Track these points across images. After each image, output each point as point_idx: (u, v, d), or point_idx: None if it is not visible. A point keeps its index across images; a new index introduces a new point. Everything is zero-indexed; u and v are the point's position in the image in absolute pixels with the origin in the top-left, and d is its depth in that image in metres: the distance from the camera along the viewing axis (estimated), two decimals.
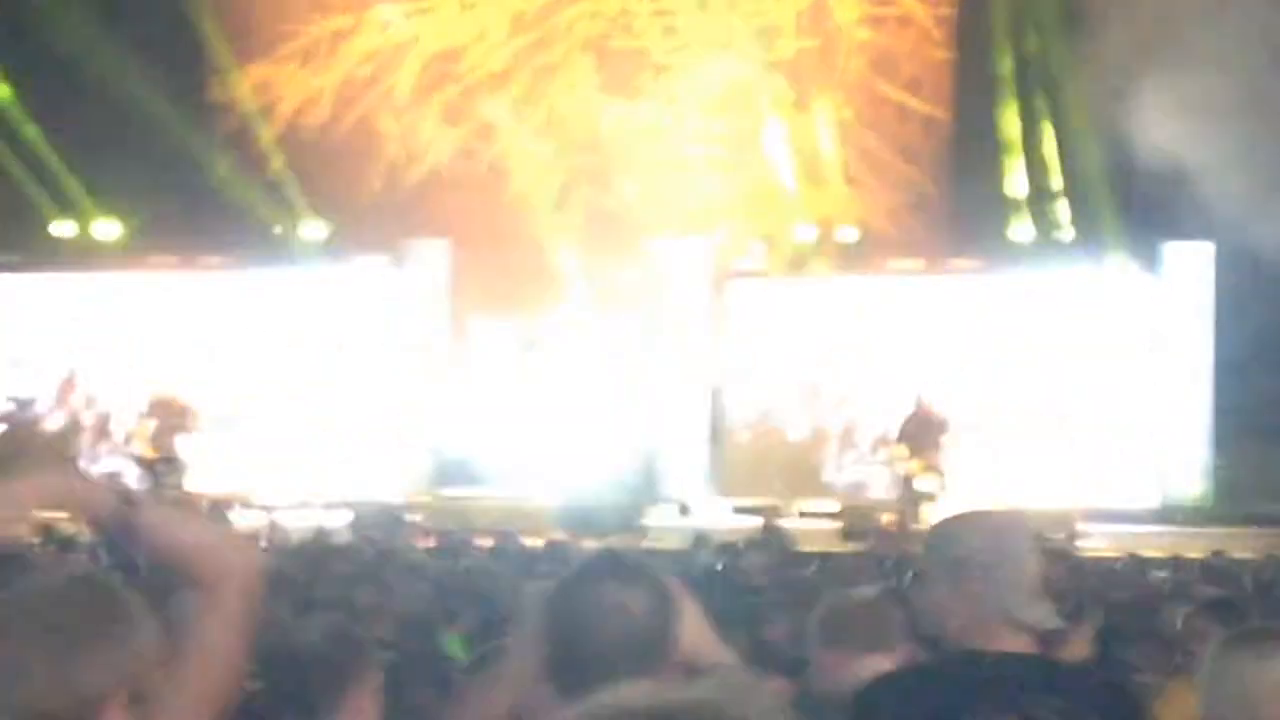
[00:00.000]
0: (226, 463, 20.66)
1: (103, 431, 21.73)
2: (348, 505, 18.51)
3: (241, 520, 17.86)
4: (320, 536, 14.93)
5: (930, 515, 17.29)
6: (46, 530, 13.90)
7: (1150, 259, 21.37)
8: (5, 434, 17.00)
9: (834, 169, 23.89)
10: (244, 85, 24.16)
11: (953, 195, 23.96)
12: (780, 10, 24.14)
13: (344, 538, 15.67)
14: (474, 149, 24.26)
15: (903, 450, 19.24)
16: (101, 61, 21.79)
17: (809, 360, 21.53)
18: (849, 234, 22.53)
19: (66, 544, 13.69)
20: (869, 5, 24.21)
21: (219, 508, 17.80)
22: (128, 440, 19.97)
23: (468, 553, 13.90)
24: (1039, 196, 22.32)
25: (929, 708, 3.19)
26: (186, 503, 17.99)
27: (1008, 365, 21.43)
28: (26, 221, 21.92)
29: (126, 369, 21.52)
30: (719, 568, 12.36)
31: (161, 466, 18.90)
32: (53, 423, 19.71)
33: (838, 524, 18.87)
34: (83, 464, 19.21)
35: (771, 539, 15.59)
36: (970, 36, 23.48)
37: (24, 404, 18.63)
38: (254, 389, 21.48)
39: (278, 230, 22.37)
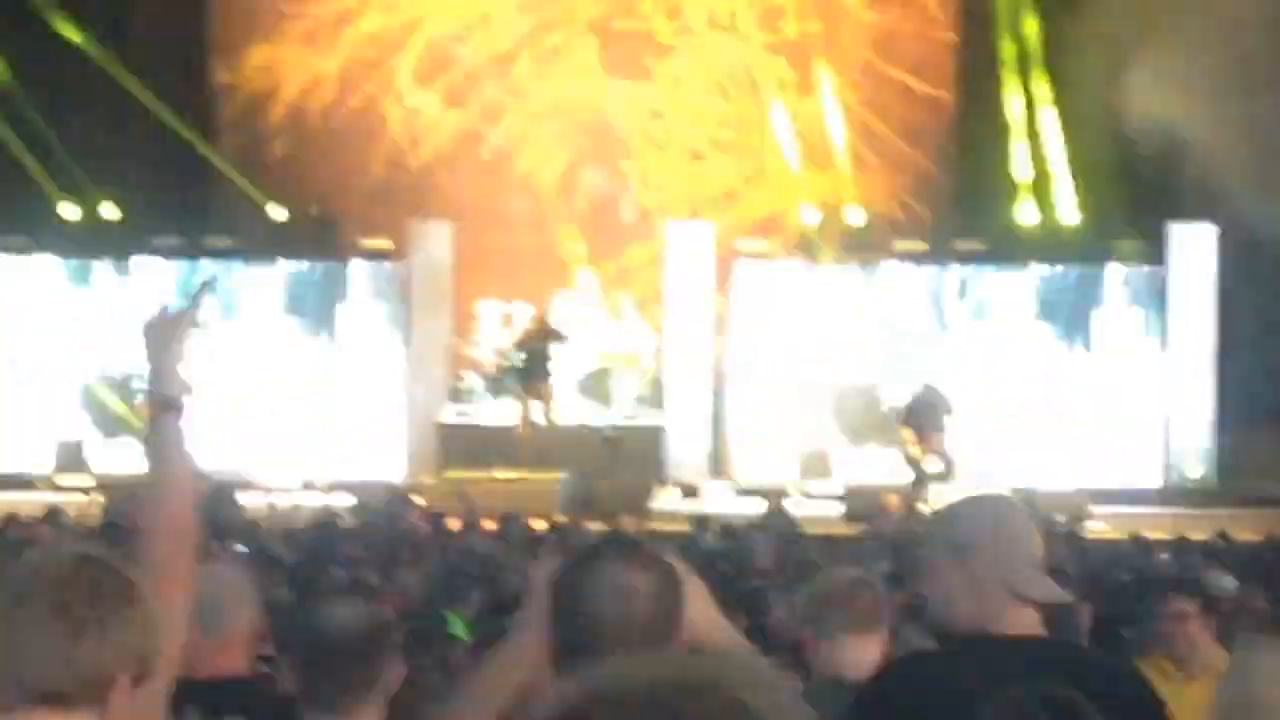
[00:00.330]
0: (231, 446, 20.66)
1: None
2: (352, 488, 18.53)
3: (248, 502, 17.89)
4: (325, 519, 14.96)
5: (936, 498, 17.31)
6: (52, 512, 13.95)
7: (1153, 241, 21.35)
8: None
9: (838, 151, 23.87)
10: (247, 68, 24.13)
11: (956, 177, 23.96)
12: None
13: (348, 520, 15.70)
14: (478, 132, 24.24)
15: (908, 433, 19.26)
16: (105, 44, 21.78)
17: (814, 342, 21.52)
18: (853, 216, 22.51)
19: (73, 527, 13.73)
20: None
21: (222, 490, 17.81)
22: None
23: (472, 534, 13.94)
24: (1042, 178, 22.29)
25: (941, 693, 3.20)
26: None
27: (1012, 348, 21.42)
28: (30, 203, 21.91)
29: (126, 351, 21.55)
30: (721, 550, 12.39)
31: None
32: None
33: (841, 506, 18.87)
34: None
35: (775, 522, 15.62)
36: (973, 18, 23.44)
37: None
38: (258, 371, 21.48)
39: (281, 213, 22.34)
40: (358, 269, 21.90)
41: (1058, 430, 21.10)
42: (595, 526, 14.75)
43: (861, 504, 17.94)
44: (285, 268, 21.90)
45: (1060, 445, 21.00)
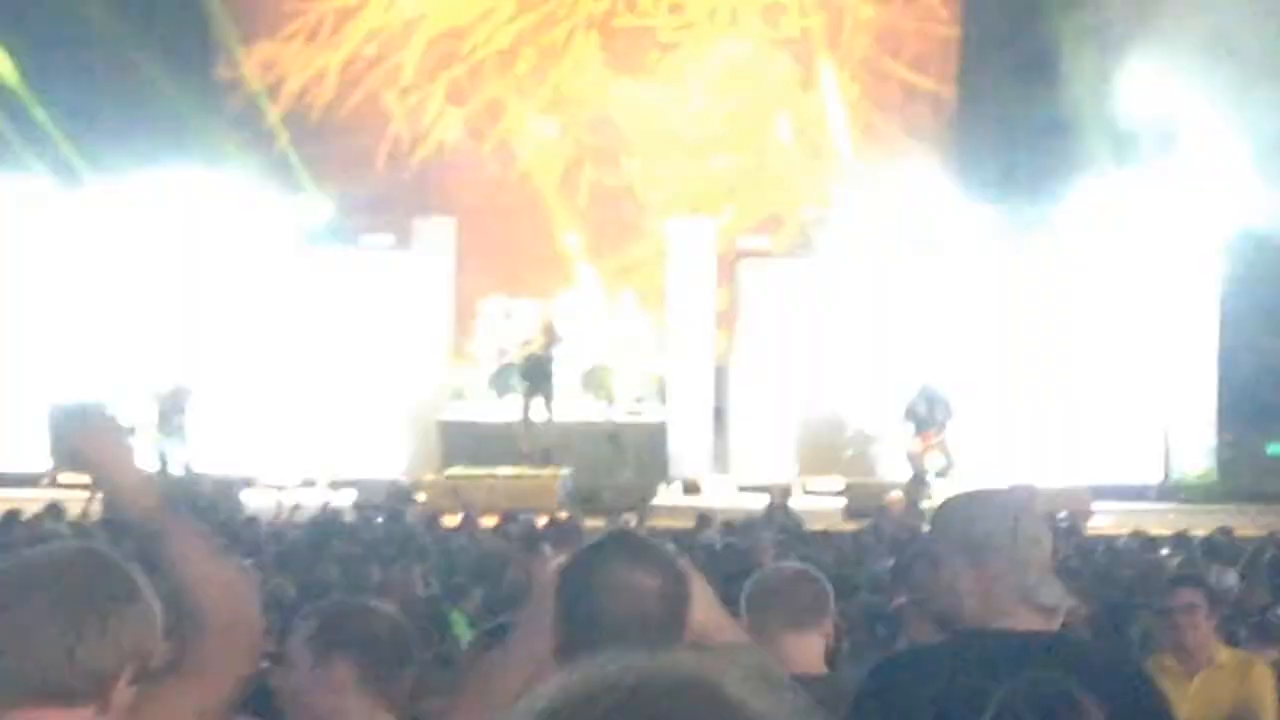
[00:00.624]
0: (233, 442, 20.67)
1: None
2: (354, 484, 18.53)
3: (250, 499, 17.90)
4: (327, 516, 14.97)
5: (938, 493, 17.30)
6: (54, 508, 13.95)
7: (1154, 236, 21.33)
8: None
9: (839, 146, 23.87)
10: (250, 64, 24.14)
11: (958, 173, 23.94)
12: None
13: (350, 516, 15.71)
14: (480, 128, 24.25)
15: (910, 428, 19.26)
16: (108, 39, 21.78)
17: (815, 338, 21.51)
18: (854, 212, 22.48)
19: (73, 522, 13.73)
20: None
21: (226, 486, 17.83)
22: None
23: (474, 531, 13.94)
24: (1043, 173, 22.27)
25: (943, 686, 3.19)
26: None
27: (1014, 344, 21.41)
28: None
29: (133, 348, 21.55)
30: (723, 546, 12.38)
31: (168, 447, 18.94)
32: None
33: (842, 503, 18.87)
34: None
35: (778, 518, 15.63)
36: (976, 13, 23.44)
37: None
38: (260, 368, 21.47)
39: (283, 209, 22.33)
40: (360, 265, 21.88)
41: (1059, 425, 21.08)
42: (597, 523, 14.77)
43: (863, 500, 17.94)
44: (287, 264, 21.88)
45: (1062, 441, 20.98)
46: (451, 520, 14.84)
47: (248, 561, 10.27)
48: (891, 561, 11.15)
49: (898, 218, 22.70)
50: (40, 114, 21.47)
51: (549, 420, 20.44)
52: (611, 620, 2.77)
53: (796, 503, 17.89)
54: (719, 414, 21.58)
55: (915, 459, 19.22)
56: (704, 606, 2.95)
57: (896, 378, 20.80)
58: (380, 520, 14.98)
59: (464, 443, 20.87)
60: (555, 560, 3.00)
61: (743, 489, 20.18)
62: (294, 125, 23.97)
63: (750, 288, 21.81)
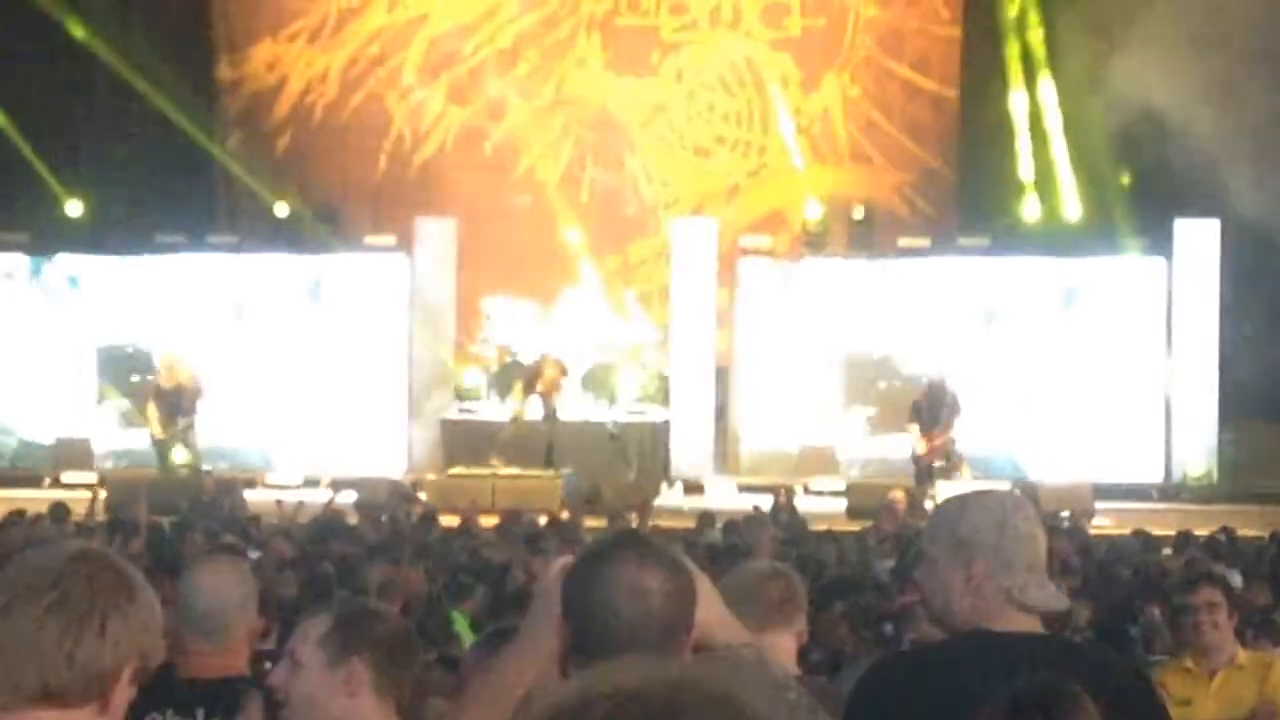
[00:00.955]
0: (234, 441, 20.68)
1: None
2: (355, 484, 18.53)
3: (251, 498, 17.90)
4: (328, 515, 14.97)
5: (941, 492, 17.30)
6: (57, 509, 13.96)
7: (1157, 236, 21.33)
8: None
9: (842, 147, 23.87)
10: (252, 64, 24.14)
11: (960, 173, 23.96)
12: None
13: (352, 516, 15.71)
14: (482, 128, 24.25)
15: (914, 427, 19.25)
16: (110, 40, 21.79)
17: (818, 338, 21.51)
18: (857, 212, 22.50)
19: (78, 525, 13.74)
20: None
21: (228, 486, 17.83)
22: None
23: (475, 531, 13.95)
24: (1046, 174, 22.28)
25: (936, 688, 3.20)
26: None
27: (1018, 343, 21.41)
28: (35, 201, 21.93)
29: (137, 349, 21.56)
30: (725, 546, 12.39)
31: (173, 446, 18.93)
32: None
33: (844, 502, 18.85)
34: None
35: (783, 518, 15.61)
36: (978, 14, 23.44)
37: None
38: (261, 367, 21.48)
39: (285, 209, 22.34)
40: (362, 265, 21.89)
41: (1062, 425, 21.08)
42: (599, 523, 14.76)
43: (865, 500, 17.93)
44: (289, 264, 21.88)
45: (1064, 440, 20.99)
46: (453, 520, 14.85)
47: (250, 560, 10.29)
48: (894, 561, 11.17)
49: (897, 218, 22.74)
50: (38, 114, 21.47)
51: (549, 421, 20.42)
52: (619, 621, 2.77)
53: (798, 502, 17.86)
54: (721, 414, 21.58)
55: (919, 458, 19.21)
56: (708, 606, 2.95)
57: (899, 377, 20.81)
58: (382, 520, 14.99)
59: (466, 442, 20.86)
60: (559, 561, 2.99)
61: (744, 489, 20.17)
62: (296, 125, 23.96)
63: (752, 287, 21.81)
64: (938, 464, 19.03)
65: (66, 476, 20.26)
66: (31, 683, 2.50)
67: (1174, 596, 6.43)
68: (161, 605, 2.67)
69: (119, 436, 21.29)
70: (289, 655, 3.56)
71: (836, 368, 21.50)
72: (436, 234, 21.86)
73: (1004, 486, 18.19)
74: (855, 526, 15.73)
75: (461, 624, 8.27)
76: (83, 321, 21.66)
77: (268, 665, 4.31)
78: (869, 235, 22.33)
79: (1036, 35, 22.27)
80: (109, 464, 20.67)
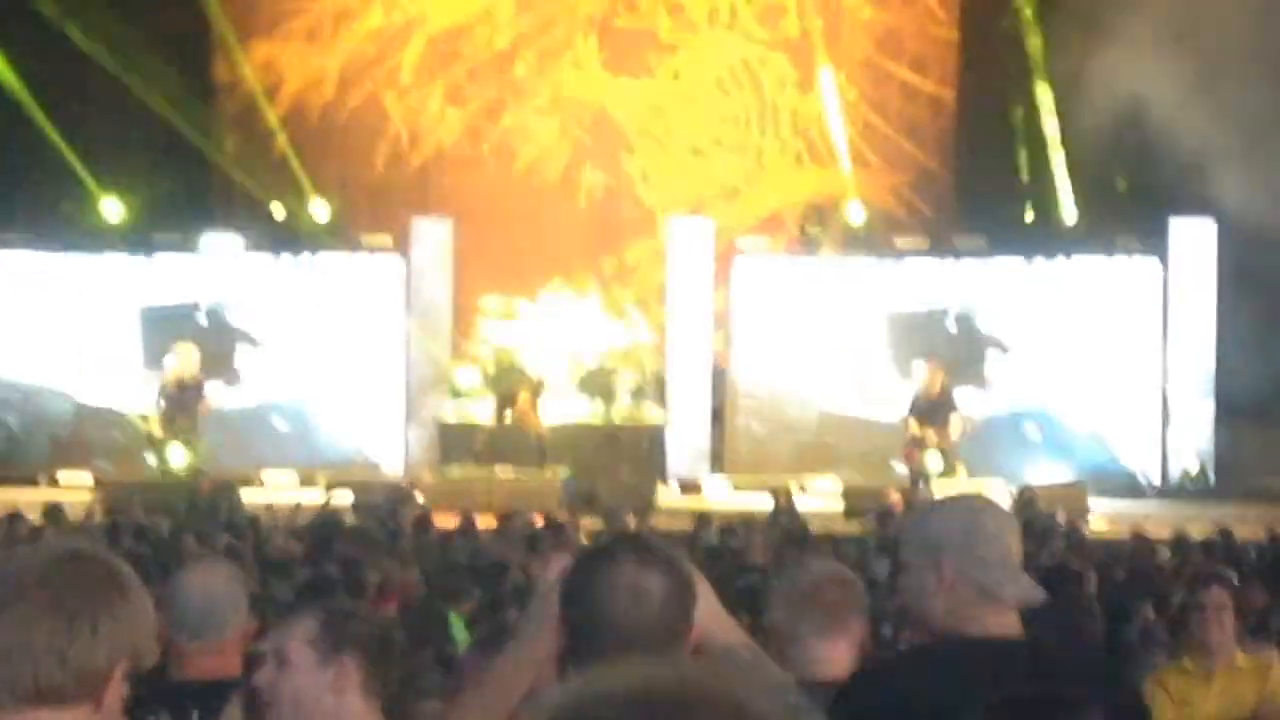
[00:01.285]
0: (230, 442, 20.65)
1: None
2: (352, 485, 18.52)
3: (248, 499, 17.88)
4: (324, 517, 14.96)
5: (938, 494, 17.30)
6: (54, 511, 13.94)
7: (1153, 236, 21.35)
8: None
9: (839, 148, 23.86)
10: (248, 64, 24.12)
11: (957, 174, 23.96)
12: None
13: (349, 517, 15.70)
14: (479, 128, 24.24)
15: (913, 426, 19.23)
16: (106, 39, 21.77)
17: (814, 339, 21.52)
18: (854, 213, 22.50)
19: (75, 524, 13.73)
20: None
21: (225, 486, 17.82)
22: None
23: (472, 533, 13.94)
24: (1043, 175, 22.29)
25: (909, 698, 3.20)
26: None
27: (1012, 344, 21.43)
28: (32, 200, 21.92)
29: (129, 349, 21.55)
30: (721, 547, 12.39)
31: (175, 448, 18.89)
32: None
33: (841, 503, 18.85)
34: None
35: (782, 519, 15.60)
36: (975, 15, 23.44)
37: None
38: (257, 367, 21.48)
39: (282, 210, 22.33)
40: (358, 266, 21.88)
41: (1057, 426, 21.09)
42: (596, 524, 14.76)
43: (862, 501, 17.93)
44: (286, 264, 21.88)
45: (1060, 441, 21.00)
46: (450, 521, 14.84)
47: (240, 563, 10.27)
48: (891, 563, 11.16)
49: (894, 219, 22.74)
50: (36, 111, 21.45)
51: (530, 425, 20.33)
52: (618, 623, 2.77)
53: (795, 503, 17.86)
54: (717, 414, 21.58)
55: (914, 459, 19.20)
56: (706, 607, 2.95)
57: (896, 378, 20.81)
58: (379, 521, 14.98)
59: (462, 443, 20.85)
60: (556, 562, 2.99)
61: (741, 489, 20.18)
62: (292, 126, 23.95)
63: (749, 288, 21.82)
64: (934, 464, 18.99)
65: (62, 476, 20.25)
66: (24, 683, 2.50)
67: (1181, 595, 6.41)
68: (156, 607, 2.67)
69: (116, 436, 21.27)
70: (275, 654, 3.55)
71: (833, 369, 21.51)
72: (433, 235, 21.86)
73: (1000, 487, 18.23)
74: (852, 527, 15.72)
75: (457, 625, 8.26)
76: (80, 321, 21.65)
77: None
78: (866, 236, 22.32)
79: (1033, 37, 22.27)
80: (106, 464, 20.65)
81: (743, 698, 1.44)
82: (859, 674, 3.59)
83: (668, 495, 20.02)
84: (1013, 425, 21.13)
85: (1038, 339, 21.40)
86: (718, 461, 21.37)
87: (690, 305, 21.60)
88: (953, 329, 21.39)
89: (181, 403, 19.01)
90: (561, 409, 21.14)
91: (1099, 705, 3.13)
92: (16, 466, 20.87)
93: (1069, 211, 22.13)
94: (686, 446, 21.14)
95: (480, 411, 21.39)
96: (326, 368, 21.49)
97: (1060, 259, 21.59)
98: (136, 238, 21.77)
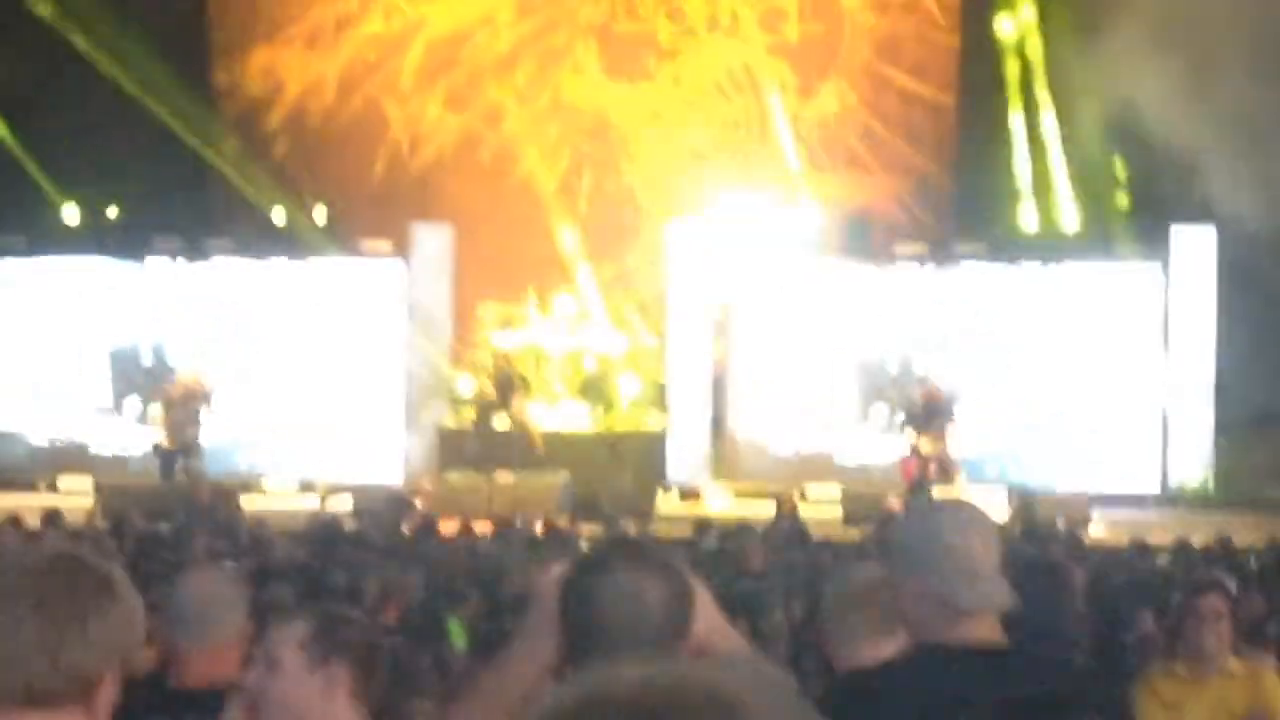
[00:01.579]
0: (230, 448, 20.65)
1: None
2: (351, 490, 18.52)
3: (248, 506, 17.88)
4: (324, 522, 14.95)
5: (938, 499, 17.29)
6: (53, 517, 13.93)
7: (1154, 244, 21.35)
8: None
9: (839, 154, 23.86)
10: (249, 69, 24.13)
11: (957, 180, 23.96)
12: None
13: (348, 523, 15.69)
14: (479, 134, 24.25)
15: (911, 434, 19.23)
16: (107, 44, 21.78)
17: (814, 345, 21.52)
18: (854, 219, 22.49)
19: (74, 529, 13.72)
20: None
21: (225, 492, 17.82)
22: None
23: (471, 538, 13.92)
24: (1043, 181, 22.30)
25: (895, 705, 3.21)
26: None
27: (1014, 350, 21.42)
28: (32, 205, 21.93)
29: (136, 355, 21.55)
30: (720, 552, 12.38)
31: (180, 455, 18.87)
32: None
33: (840, 509, 18.84)
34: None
35: (784, 525, 15.58)
36: (975, 21, 23.46)
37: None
38: (257, 373, 21.48)
39: (282, 215, 22.34)
40: (358, 271, 21.88)
41: (1058, 433, 21.09)
42: (595, 530, 14.75)
43: (861, 507, 17.92)
44: (286, 270, 21.88)
45: (1060, 448, 20.99)
46: (449, 527, 14.83)
47: (245, 567, 10.27)
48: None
49: (894, 225, 22.75)
50: (34, 119, 21.47)
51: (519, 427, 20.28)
52: (616, 628, 2.77)
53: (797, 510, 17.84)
54: (717, 421, 21.58)
55: (913, 467, 19.19)
56: (704, 612, 2.94)
57: (896, 384, 20.81)
58: (378, 526, 14.96)
59: (461, 449, 20.83)
60: (555, 567, 2.99)
61: (741, 496, 20.17)
62: (292, 131, 23.96)
63: (749, 293, 21.81)
64: (933, 472, 19.00)
65: (63, 482, 20.25)
66: (15, 685, 2.49)
67: (1179, 600, 6.41)
68: (154, 613, 2.67)
69: (117, 442, 21.26)
70: (265, 657, 3.55)
71: (833, 375, 21.50)
72: (433, 240, 21.87)
73: (1001, 495, 18.23)
74: (852, 533, 15.71)
75: (456, 631, 8.26)
76: (80, 326, 21.65)
77: None
78: (866, 242, 22.32)
79: (1033, 43, 22.29)
80: (106, 470, 20.63)
81: (744, 699, 1.44)
82: (833, 685, 3.59)
83: (668, 502, 20.01)
84: (1013, 433, 21.12)
85: (1038, 346, 21.38)
86: (718, 468, 21.36)
87: (690, 311, 21.59)
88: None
89: (187, 414, 18.96)
90: (562, 415, 21.14)
91: (1077, 710, 3.14)
92: (15, 471, 20.85)
93: (1070, 218, 22.13)
94: (686, 453, 21.13)
95: (479, 417, 21.37)
96: (326, 373, 21.48)
97: (1061, 266, 21.57)
98: (135, 243, 21.76)
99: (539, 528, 14.64)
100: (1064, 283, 21.56)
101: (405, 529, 14.88)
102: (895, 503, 17.48)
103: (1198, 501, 20.40)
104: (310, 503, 18.83)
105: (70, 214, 22.22)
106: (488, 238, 22.75)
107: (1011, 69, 22.47)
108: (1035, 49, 22.25)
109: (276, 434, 21.27)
